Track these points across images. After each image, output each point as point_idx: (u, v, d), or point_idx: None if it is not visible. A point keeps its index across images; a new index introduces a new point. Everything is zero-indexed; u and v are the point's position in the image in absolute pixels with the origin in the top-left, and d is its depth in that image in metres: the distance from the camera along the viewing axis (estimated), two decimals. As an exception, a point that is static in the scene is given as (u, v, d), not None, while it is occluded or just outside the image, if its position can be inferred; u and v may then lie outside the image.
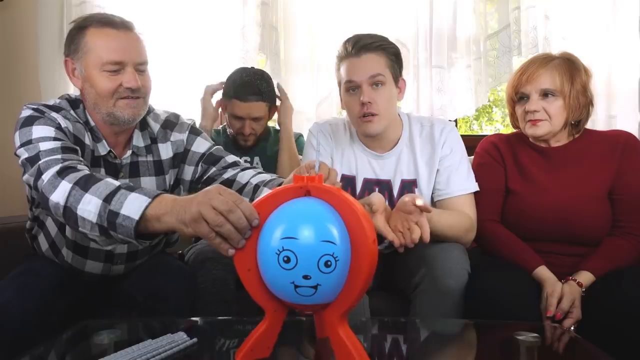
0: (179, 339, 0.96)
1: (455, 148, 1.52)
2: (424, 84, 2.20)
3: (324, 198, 0.82)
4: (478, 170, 1.55)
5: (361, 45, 1.43)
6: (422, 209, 1.24)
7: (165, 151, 1.41)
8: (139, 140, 1.38)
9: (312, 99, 2.22)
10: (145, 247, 1.42)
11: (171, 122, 1.44)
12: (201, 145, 1.44)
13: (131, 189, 1.04)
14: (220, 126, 2.00)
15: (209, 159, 1.42)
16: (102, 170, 1.31)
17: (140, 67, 1.27)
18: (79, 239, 1.36)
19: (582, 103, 1.45)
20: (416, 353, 1.09)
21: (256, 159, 1.89)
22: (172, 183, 1.45)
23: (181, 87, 2.17)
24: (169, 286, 1.32)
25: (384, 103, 1.45)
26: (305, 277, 0.77)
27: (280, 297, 0.83)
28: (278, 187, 0.86)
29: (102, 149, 1.31)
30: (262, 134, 1.89)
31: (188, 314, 1.31)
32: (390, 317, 1.38)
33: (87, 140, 1.28)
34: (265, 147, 1.92)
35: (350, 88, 1.46)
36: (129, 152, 1.35)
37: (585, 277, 1.35)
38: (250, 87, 1.76)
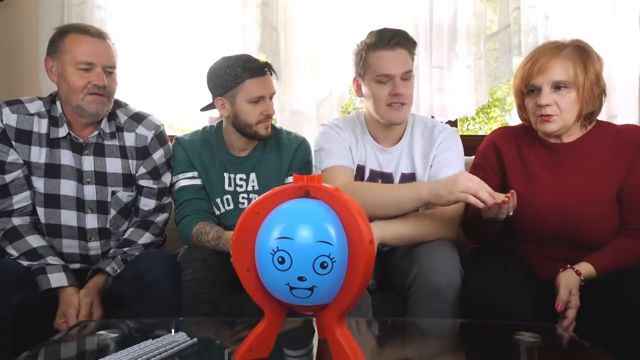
0: (179, 339, 0.97)
1: (450, 148, 1.58)
2: (424, 84, 2.20)
3: (322, 198, 0.82)
4: (473, 170, 1.53)
5: (396, 41, 1.50)
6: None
7: (130, 139, 1.58)
8: (105, 127, 1.55)
9: (312, 100, 2.22)
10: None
11: (140, 116, 1.61)
12: (161, 157, 1.61)
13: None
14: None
15: (154, 172, 1.61)
16: (61, 152, 1.52)
17: (108, 70, 1.49)
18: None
19: (596, 94, 1.37)
20: (416, 353, 1.09)
21: (252, 176, 1.68)
22: (136, 173, 1.60)
23: (181, 88, 2.18)
24: (152, 270, 1.37)
25: (411, 94, 1.56)
26: (300, 278, 0.77)
27: (278, 298, 0.83)
28: (277, 187, 0.86)
29: (62, 132, 1.51)
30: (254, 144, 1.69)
31: (174, 298, 1.36)
32: (390, 317, 1.38)
33: (37, 127, 1.50)
34: (260, 159, 1.69)
35: (380, 80, 1.52)
36: (95, 132, 1.53)
37: (585, 267, 1.31)
38: (257, 60, 1.60)
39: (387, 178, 1.62)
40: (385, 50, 1.50)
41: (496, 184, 1.47)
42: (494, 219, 1.31)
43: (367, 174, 1.63)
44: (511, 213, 1.29)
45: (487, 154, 1.53)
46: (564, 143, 1.44)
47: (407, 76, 1.52)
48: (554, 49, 1.37)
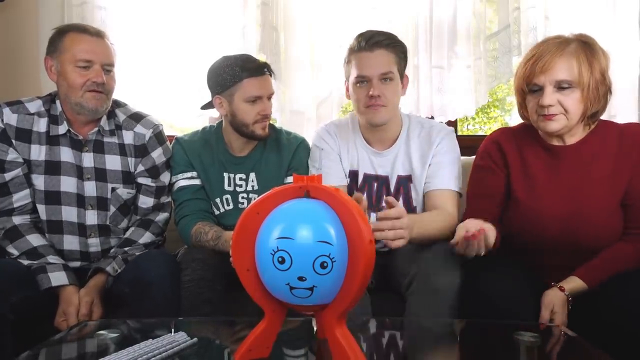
0: (179, 339, 0.97)
1: (449, 149, 1.59)
2: (424, 84, 2.20)
3: (322, 198, 0.82)
4: (475, 171, 1.50)
5: (375, 42, 1.50)
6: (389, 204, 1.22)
7: (129, 138, 1.60)
8: (105, 124, 1.57)
9: (312, 99, 2.22)
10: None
11: (139, 116, 1.63)
12: (160, 156, 1.63)
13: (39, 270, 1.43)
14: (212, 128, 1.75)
15: (152, 170, 1.62)
16: (61, 149, 1.54)
17: (107, 68, 1.52)
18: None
19: (602, 93, 1.29)
20: (416, 353, 1.09)
21: (252, 176, 1.68)
22: (135, 170, 1.61)
23: (181, 88, 2.18)
24: (152, 270, 1.38)
25: (392, 96, 1.53)
26: (300, 278, 0.77)
27: (278, 298, 0.83)
28: (277, 187, 0.86)
29: (62, 129, 1.53)
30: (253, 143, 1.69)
31: (174, 298, 1.36)
32: (390, 317, 1.38)
33: (37, 126, 1.52)
34: (260, 159, 1.69)
35: (360, 81, 1.52)
36: (95, 129, 1.55)
37: (572, 283, 1.28)
38: (256, 60, 1.60)
39: (382, 181, 1.63)
40: (364, 51, 1.50)
41: (503, 182, 1.44)
42: (464, 254, 1.25)
43: (360, 179, 1.64)
44: (482, 253, 1.23)
45: (491, 152, 1.47)
46: (566, 146, 1.37)
47: (386, 77, 1.50)
48: (558, 45, 1.30)
